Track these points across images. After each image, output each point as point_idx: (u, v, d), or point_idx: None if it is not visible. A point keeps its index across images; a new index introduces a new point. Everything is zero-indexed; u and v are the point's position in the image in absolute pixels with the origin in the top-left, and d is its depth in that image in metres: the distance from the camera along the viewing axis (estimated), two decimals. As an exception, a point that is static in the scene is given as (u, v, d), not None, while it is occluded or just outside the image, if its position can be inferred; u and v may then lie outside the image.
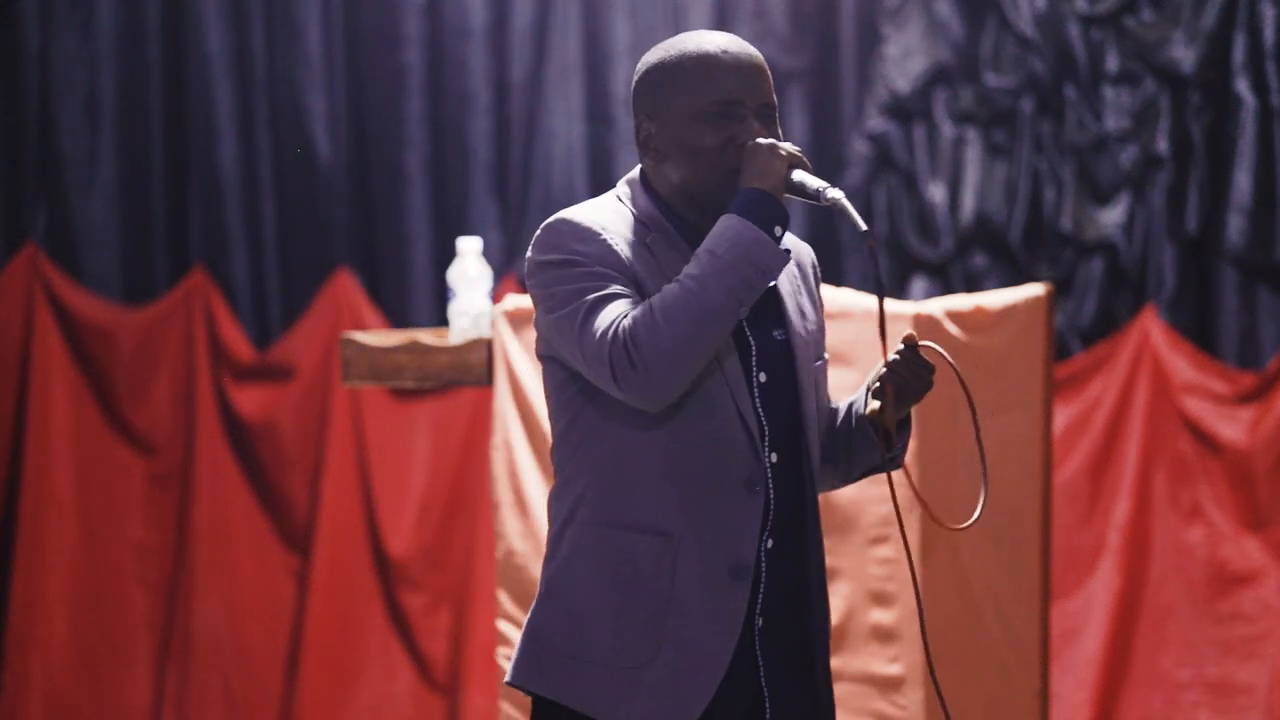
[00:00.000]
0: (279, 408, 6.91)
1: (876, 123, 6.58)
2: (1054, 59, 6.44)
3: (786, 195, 3.12)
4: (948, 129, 6.55)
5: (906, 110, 6.56)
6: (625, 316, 3.02)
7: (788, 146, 3.13)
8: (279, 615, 6.86)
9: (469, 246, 5.17)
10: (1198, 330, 6.36)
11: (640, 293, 3.08)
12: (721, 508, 3.11)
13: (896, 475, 3.53)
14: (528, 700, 3.28)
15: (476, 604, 6.66)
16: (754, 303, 3.06)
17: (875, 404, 3.18)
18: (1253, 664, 6.21)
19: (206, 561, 6.89)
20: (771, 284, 3.12)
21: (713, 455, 3.10)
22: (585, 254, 3.08)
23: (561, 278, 3.08)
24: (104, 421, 6.97)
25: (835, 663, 4.56)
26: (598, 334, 3.03)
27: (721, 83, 3.14)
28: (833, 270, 6.52)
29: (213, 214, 6.95)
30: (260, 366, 6.93)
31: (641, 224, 3.15)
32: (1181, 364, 6.32)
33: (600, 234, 3.10)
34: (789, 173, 3.11)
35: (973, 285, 6.42)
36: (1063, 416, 6.30)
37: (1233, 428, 6.26)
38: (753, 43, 7.03)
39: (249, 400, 6.93)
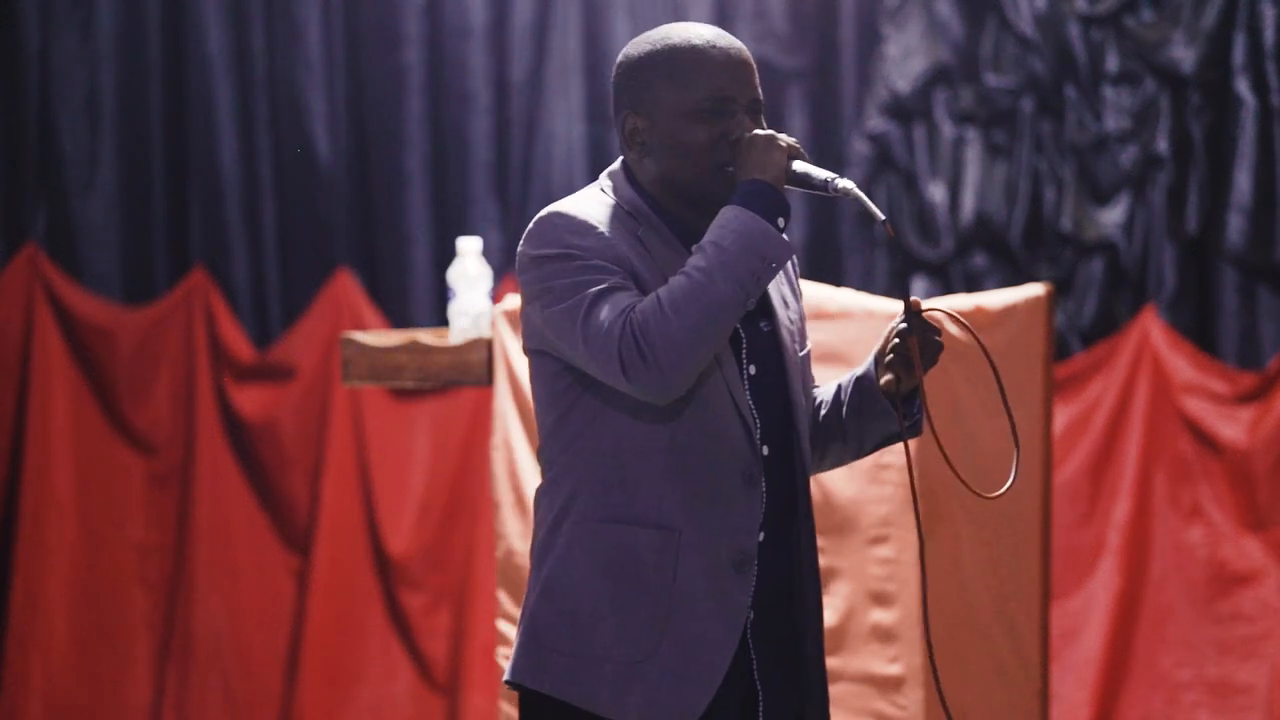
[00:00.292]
0: (279, 408, 6.91)
1: (876, 123, 6.58)
2: (1054, 59, 6.44)
3: (787, 187, 3.10)
4: (948, 129, 6.55)
5: (906, 110, 6.56)
6: (632, 309, 3.00)
7: (786, 138, 3.12)
8: (279, 615, 6.86)
9: (469, 246, 5.17)
10: (1198, 330, 6.36)
11: (638, 285, 3.07)
12: (722, 501, 3.10)
13: (893, 465, 3.52)
14: (527, 700, 3.27)
15: (476, 604, 6.66)
16: (760, 294, 3.05)
17: (889, 375, 3.18)
18: (1253, 664, 6.21)
19: (206, 561, 6.89)
20: None
21: (712, 449, 3.09)
22: (582, 247, 3.07)
23: (559, 271, 3.06)
24: (104, 421, 6.97)
25: (835, 663, 4.56)
26: (604, 328, 3.01)
27: (713, 79, 3.13)
28: (833, 270, 6.52)
29: (213, 214, 6.95)
30: (260, 366, 6.93)
31: (630, 216, 3.13)
32: (1181, 364, 6.32)
33: (596, 227, 3.09)
34: (789, 164, 3.10)
35: (973, 285, 6.41)
36: (1063, 416, 6.30)
37: (1233, 428, 6.26)
38: (752, 43, 6.99)
39: (249, 400, 6.93)
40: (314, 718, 6.76)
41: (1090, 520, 6.37)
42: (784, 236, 3.05)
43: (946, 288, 6.47)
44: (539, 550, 3.16)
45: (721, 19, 6.63)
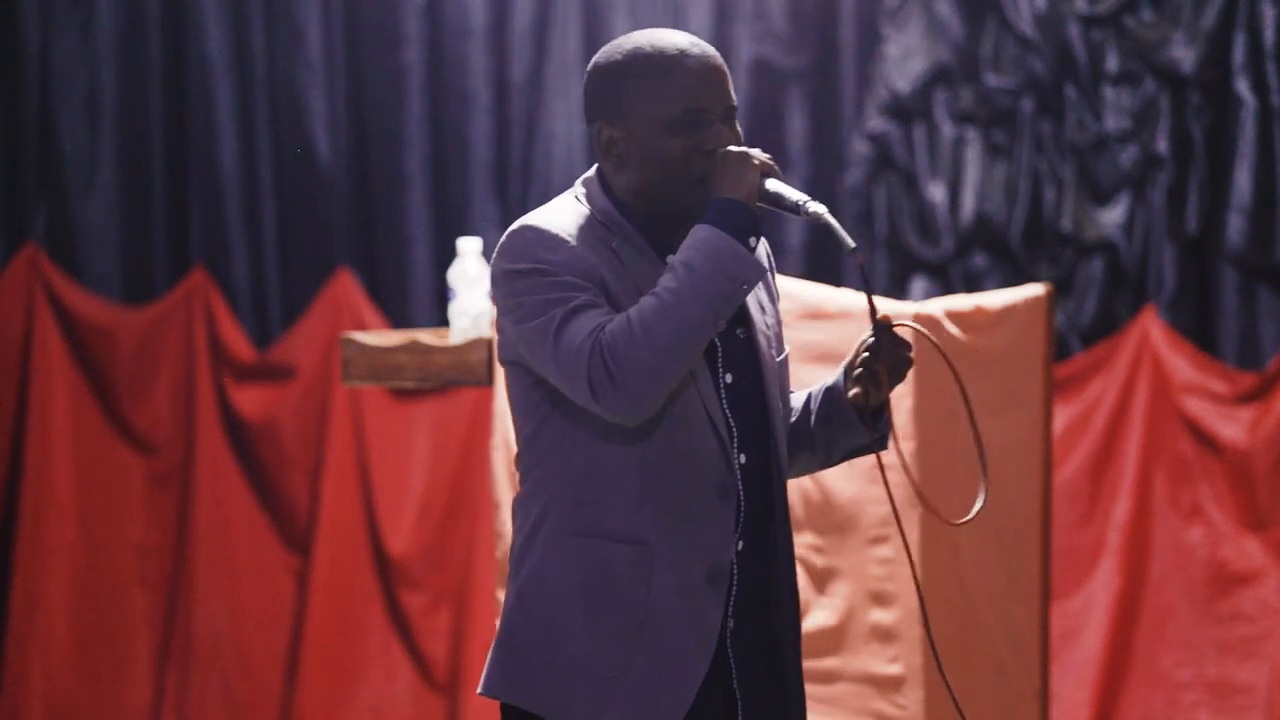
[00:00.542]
0: (279, 408, 6.91)
1: (876, 123, 6.58)
2: (1054, 59, 6.44)
3: (761, 205, 3.08)
4: (948, 129, 6.55)
5: (906, 110, 6.56)
6: (602, 330, 2.98)
7: (759, 155, 3.09)
8: (279, 615, 6.86)
9: (469, 246, 5.17)
10: (1198, 330, 6.36)
11: (610, 300, 3.05)
12: (697, 516, 3.08)
13: (892, 466, 3.51)
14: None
15: (476, 604, 6.66)
16: (731, 314, 3.02)
17: (856, 389, 3.15)
18: (1253, 664, 6.21)
19: (206, 561, 6.89)
20: None
21: (685, 465, 3.08)
22: (553, 262, 3.04)
23: (531, 287, 3.04)
24: (104, 421, 6.97)
25: (835, 663, 4.56)
26: (574, 349, 2.99)
27: (687, 89, 3.10)
28: (833, 270, 6.52)
29: (213, 214, 6.95)
30: (260, 366, 6.93)
31: (604, 227, 3.10)
32: (1181, 364, 6.32)
33: (568, 241, 3.05)
34: (762, 182, 3.07)
35: (973, 285, 6.41)
36: (1063, 416, 6.29)
37: (1233, 428, 6.26)
38: (752, 43, 6.98)
39: (249, 400, 6.93)
40: (314, 718, 6.76)
41: (1090, 520, 6.37)
42: (755, 256, 3.03)
43: (946, 288, 6.47)
44: (516, 558, 3.16)
45: (721, 19, 6.63)
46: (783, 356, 3.23)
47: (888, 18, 6.57)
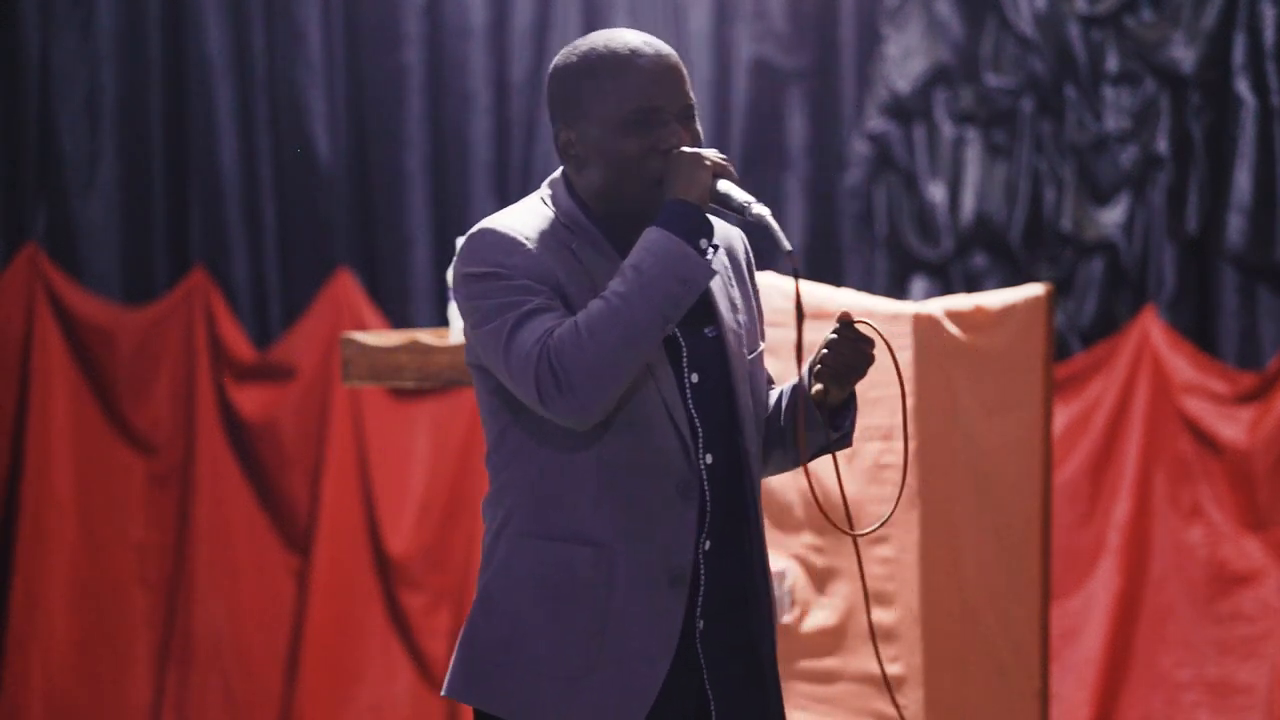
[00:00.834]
0: (279, 408, 6.91)
1: (876, 123, 6.58)
2: (1054, 59, 6.44)
3: (713, 205, 3.06)
4: (948, 129, 6.55)
5: (906, 110, 6.56)
6: (550, 334, 2.98)
7: (712, 155, 3.07)
8: (279, 615, 6.86)
9: (469, 246, 5.16)
10: (1198, 330, 6.36)
11: (565, 303, 3.05)
12: (656, 516, 3.08)
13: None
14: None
15: (476, 604, 6.65)
16: (680, 317, 3.01)
17: (818, 386, 3.15)
18: (1253, 664, 6.21)
19: (206, 561, 6.89)
20: None
21: (646, 465, 3.07)
22: (509, 266, 3.04)
23: (486, 291, 3.04)
24: (104, 421, 6.97)
25: (835, 663, 4.56)
26: (523, 352, 2.99)
27: (640, 88, 3.08)
28: (833, 270, 6.52)
29: (213, 214, 6.95)
30: (260, 366, 6.94)
31: (566, 228, 3.10)
32: (1181, 364, 6.32)
33: (524, 244, 3.05)
34: (714, 183, 3.05)
35: (973, 285, 6.41)
36: (1063, 416, 6.30)
37: (1233, 428, 6.26)
38: (753, 43, 6.98)
39: (249, 400, 6.93)
40: (314, 718, 6.76)
41: (1090, 520, 6.37)
42: (707, 257, 3.02)
43: (946, 288, 6.47)
44: (484, 558, 3.18)
45: (721, 19, 6.63)
46: (755, 353, 3.22)
47: (888, 18, 6.57)
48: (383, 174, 6.86)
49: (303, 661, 6.78)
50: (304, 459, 6.87)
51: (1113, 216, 6.42)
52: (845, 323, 3.10)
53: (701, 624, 3.12)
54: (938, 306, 4.63)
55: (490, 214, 3.17)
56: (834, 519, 3.23)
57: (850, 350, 3.11)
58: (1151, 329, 6.34)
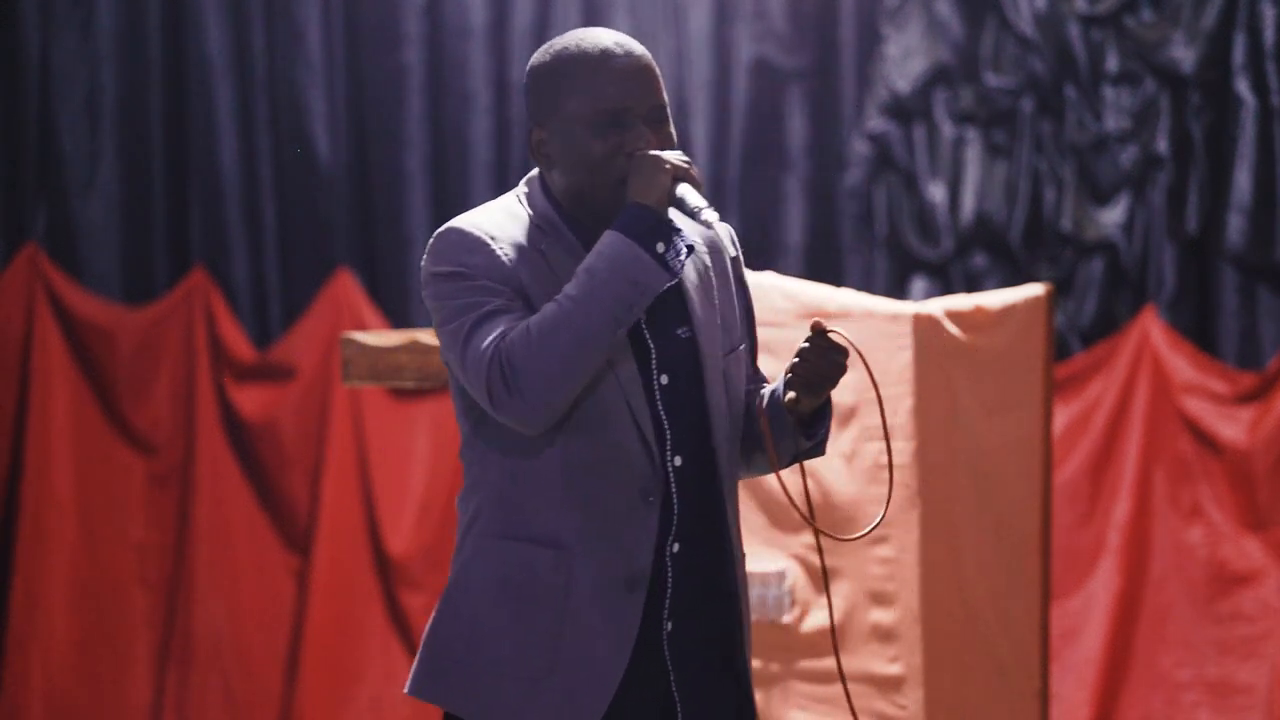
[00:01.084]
0: (279, 408, 6.91)
1: (876, 123, 6.58)
2: (1054, 59, 6.44)
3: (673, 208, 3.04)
4: (948, 129, 6.55)
5: (906, 110, 6.56)
6: (504, 337, 2.98)
7: (674, 158, 3.05)
8: (279, 615, 6.86)
9: (469, 246, 5.15)
10: (1198, 330, 6.36)
11: (528, 304, 3.04)
12: (617, 520, 3.06)
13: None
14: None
15: (476, 604, 6.65)
16: (634, 320, 3.00)
17: (791, 393, 3.12)
18: (1253, 664, 6.21)
19: (206, 561, 6.89)
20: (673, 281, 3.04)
21: (606, 469, 3.06)
22: (472, 266, 3.03)
23: (449, 291, 3.04)
24: (104, 421, 6.97)
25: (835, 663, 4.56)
26: (477, 354, 2.99)
27: (606, 89, 3.06)
28: (833, 270, 6.51)
29: (213, 214, 6.95)
30: (260, 366, 6.94)
31: (536, 227, 3.09)
32: (1181, 364, 6.32)
33: (488, 244, 3.05)
34: (674, 186, 3.03)
35: (973, 285, 6.41)
36: (1063, 416, 6.30)
37: (1233, 428, 6.26)
38: (753, 43, 6.97)
39: (249, 400, 6.93)
40: (314, 718, 6.76)
41: (1090, 520, 6.37)
42: (680, 257, 3.00)
43: (946, 288, 6.47)
44: (454, 555, 3.17)
45: (721, 19, 6.63)
46: (733, 351, 3.19)
47: (888, 18, 6.57)
48: (383, 174, 6.86)
49: (303, 661, 6.78)
50: (304, 459, 6.87)
51: (1113, 216, 6.42)
52: (818, 331, 3.08)
53: (670, 625, 3.10)
54: (938, 306, 4.63)
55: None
56: (804, 513, 3.22)
57: (822, 359, 3.08)
58: (1151, 329, 6.34)
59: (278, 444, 6.91)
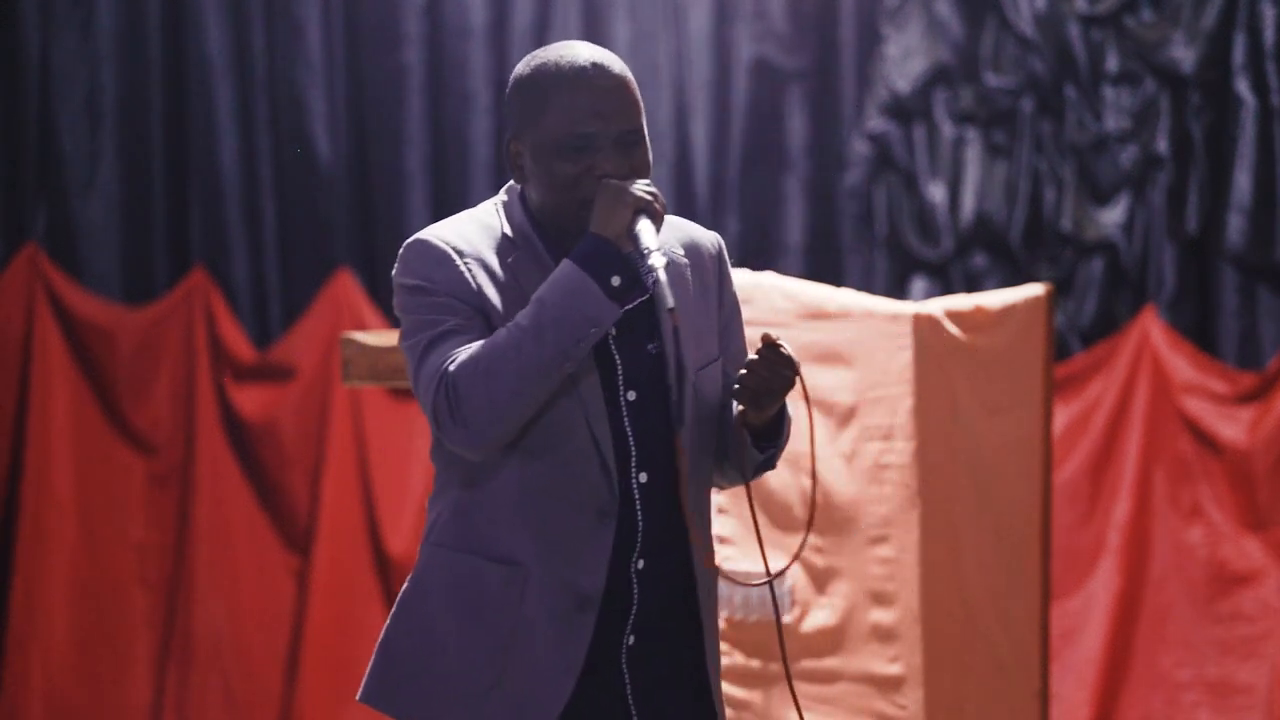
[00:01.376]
0: (279, 408, 6.91)
1: (876, 123, 6.58)
2: (1054, 59, 6.44)
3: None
4: (948, 129, 6.55)
5: (906, 110, 6.56)
6: (453, 361, 2.95)
7: (639, 189, 2.99)
8: (279, 615, 6.86)
9: (469, 246, 5.16)
10: (1198, 330, 6.36)
11: (487, 323, 3.00)
12: (571, 540, 3.04)
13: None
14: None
15: (476, 604, 6.65)
16: (584, 352, 2.95)
17: (740, 406, 3.06)
18: (1253, 664, 6.21)
19: (206, 561, 6.89)
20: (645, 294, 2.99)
21: (563, 487, 3.03)
22: (435, 280, 3.02)
23: (411, 305, 3.04)
24: (104, 421, 6.97)
25: (835, 663, 4.56)
26: (427, 375, 2.97)
27: (576, 113, 3.01)
28: (833, 270, 6.51)
29: (213, 214, 6.95)
30: (260, 366, 6.94)
31: (508, 240, 3.06)
32: (1181, 364, 6.32)
33: (454, 259, 3.03)
34: (634, 219, 2.97)
35: (973, 285, 6.41)
36: (1063, 416, 6.30)
37: (1233, 428, 6.26)
38: (753, 43, 6.97)
39: (249, 400, 6.93)
40: (314, 717, 6.76)
41: (1090, 520, 6.37)
42: (620, 294, 2.94)
43: (946, 288, 6.47)
44: (416, 561, 3.16)
45: (721, 19, 6.63)
46: (710, 363, 3.13)
47: (888, 18, 6.57)
48: (383, 174, 6.86)
49: (303, 661, 6.78)
50: (304, 459, 6.87)
51: (1113, 216, 6.42)
52: (768, 344, 3.01)
53: (631, 639, 3.08)
54: (938, 306, 4.63)
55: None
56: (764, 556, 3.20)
57: (768, 371, 3.00)
58: (1151, 329, 6.34)
59: (278, 444, 6.91)
